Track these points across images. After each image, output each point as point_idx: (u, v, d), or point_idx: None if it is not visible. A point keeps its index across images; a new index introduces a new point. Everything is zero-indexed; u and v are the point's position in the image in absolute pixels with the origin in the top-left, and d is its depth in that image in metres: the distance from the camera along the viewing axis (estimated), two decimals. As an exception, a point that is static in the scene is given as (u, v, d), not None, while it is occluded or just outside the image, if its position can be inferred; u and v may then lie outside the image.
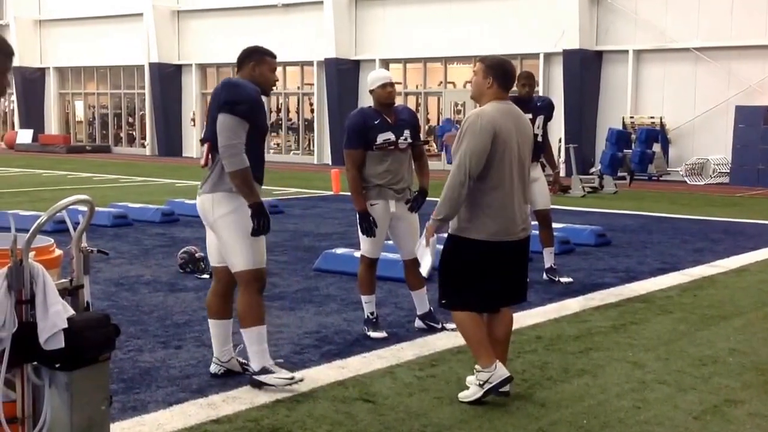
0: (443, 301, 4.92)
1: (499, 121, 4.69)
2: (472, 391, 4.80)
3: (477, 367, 4.81)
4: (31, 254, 3.22)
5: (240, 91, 4.97)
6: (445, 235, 4.86)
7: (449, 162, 23.08)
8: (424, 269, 4.84)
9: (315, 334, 6.26)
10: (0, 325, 3.12)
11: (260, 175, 5.07)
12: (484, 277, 4.77)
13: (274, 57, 5.25)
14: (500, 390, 4.78)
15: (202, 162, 5.07)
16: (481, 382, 4.76)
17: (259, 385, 4.95)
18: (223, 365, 5.24)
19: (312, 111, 28.73)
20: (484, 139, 4.62)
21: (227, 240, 4.96)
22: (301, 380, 5.00)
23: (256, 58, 5.17)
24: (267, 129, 5.23)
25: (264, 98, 5.18)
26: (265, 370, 4.98)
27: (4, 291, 3.13)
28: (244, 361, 5.30)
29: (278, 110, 30.31)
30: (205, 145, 5.04)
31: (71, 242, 3.45)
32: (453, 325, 6.37)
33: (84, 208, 3.48)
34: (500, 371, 4.76)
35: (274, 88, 5.32)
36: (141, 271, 8.57)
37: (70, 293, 3.42)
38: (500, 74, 4.80)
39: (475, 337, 4.81)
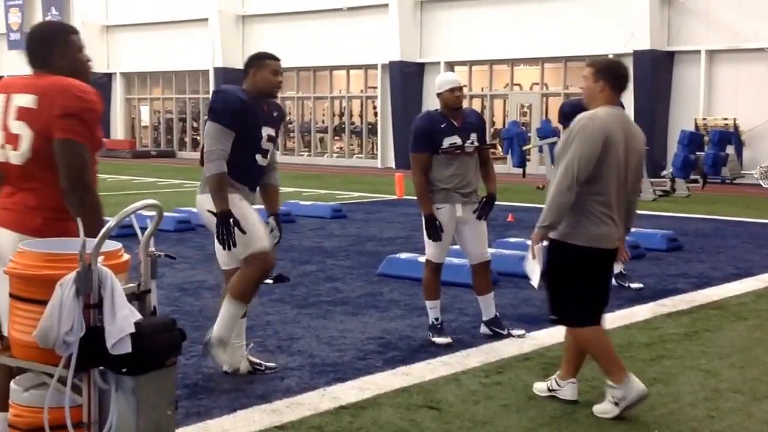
0: (555, 318, 4.76)
1: (611, 126, 4.54)
2: (607, 409, 4.62)
3: (609, 382, 4.63)
4: (100, 258, 3.23)
5: (222, 98, 5.18)
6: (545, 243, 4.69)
7: (515, 165, 22.74)
8: (535, 281, 4.70)
9: (378, 340, 6.22)
10: (68, 329, 3.14)
11: (249, 182, 5.24)
12: (590, 285, 4.64)
13: (276, 59, 5.32)
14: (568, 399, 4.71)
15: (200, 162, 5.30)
16: (617, 401, 4.58)
17: (206, 351, 5.17)
18: (233, 363, 5.33)
19: (375, 114, 28.75)
20: (595, 144, 4.47)
21: (236, 229, 5.04)
22: (244, 373, 5.16)
23: (257, 64, 5.29)
24: (257, 138, 5.21)
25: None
26: (222, 342, 5.10)
27: (73, 295, 3.15)
28: (255, 360, 5.39)
29: (341, 114, 30.41)
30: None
31: (138, 247, 3.46)
32: (520, 332, 6.30)
33: (152, 212, 3.48)
34: (636, 386, 4.57)
35: (279, 89, 5.38)
36: (204, 277, 8.63)
37: (138, 298, 3.42)
38: (612, 77, 4.66)
39: (603, 351, 4.64)
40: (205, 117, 5.42)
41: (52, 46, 3.76)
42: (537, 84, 26.13)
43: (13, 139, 3.64)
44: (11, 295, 3.33)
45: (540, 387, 4.96)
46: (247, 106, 5.14)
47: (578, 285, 4.63)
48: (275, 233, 5.47)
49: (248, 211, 5.14)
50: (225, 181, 5.04)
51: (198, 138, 34.44)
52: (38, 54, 3.77)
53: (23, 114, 3.62)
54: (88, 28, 34.26)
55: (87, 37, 34.40)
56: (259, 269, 5.14)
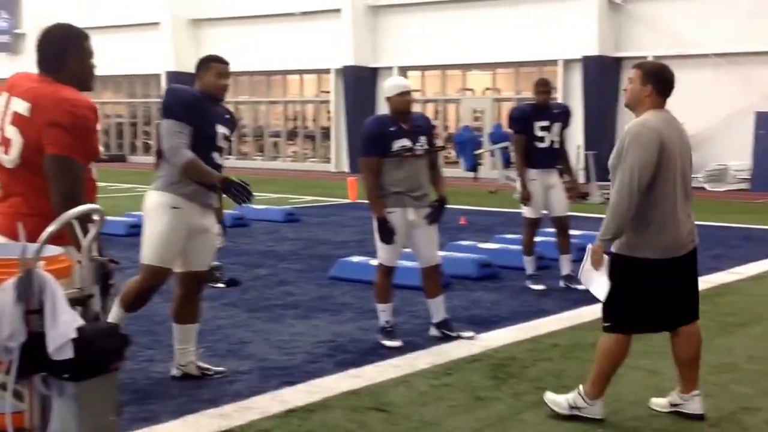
0: (607, 325, 4.61)
1: (665, 132, 4.43)
2: (561, 404, 4.65)
3: (581, 388, 4.63)
4: (41, 264, 3.20)
5: (173, 94, 5.21)
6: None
7: (467, 169, 22.85)
8: (601, 293, 4.58)
9: (329, 343, 6.23)
10: (8, 335, 3.10)
11: None
12: (653, 297, 4.49)
13: (222, 62, 5.30)
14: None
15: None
16: (574, 405, 4.60)
17: None
18: (182, 368, 5.32)
19: (329, 119, 28.75)
20: (652, 152, 4.36)
21: (145, 231, 5.09)
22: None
23: (203, 66, 5.28)
24: (212, 135, 5.18)
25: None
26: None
27: (13, 301, 3.11)
28: (204, 365, 5.38)
29: (295, 118, 30.35)
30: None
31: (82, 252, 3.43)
32: (470, 334, 6.35)
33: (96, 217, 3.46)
34: (597, 409, 4.58)
35: (225, 92, 5.30)
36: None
37: (80, 303, 3.40)
38: (660, 81, 4.54)
39: (607, 369, 4.59)
40: (158, 121, 5.37)
41: (67, 51, 3.75)
42: (489, 89, 26.33)
43: (6, 143, 3.64)
44: (-48, 301, 3.29)
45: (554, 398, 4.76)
46: (199, 102, 5.13)
47: (640, 297, 4.49)
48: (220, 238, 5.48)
49: (162, 221, 5.05)
50: (199, 163, 5.00)
51: (150, 142, 34.14)
52: (50, 57, 3.75)
53: (17, 120, 3.62)
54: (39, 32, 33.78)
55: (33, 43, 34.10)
56: (143, 281, 5.10)
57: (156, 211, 5.06)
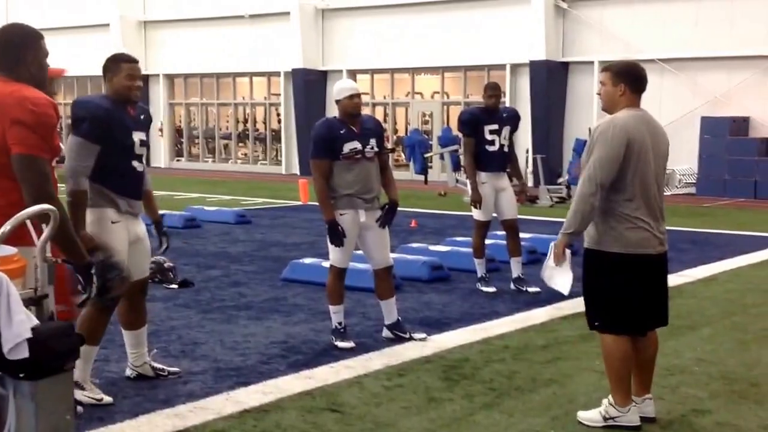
0: (596, 324, 4.59)
1: (633, 128, 4.44)
2: (593, 418, 4.61)
3: (610, 399, 4.59)
4: (-5, 263, 3.18)
5: (83, 108, 4.89)
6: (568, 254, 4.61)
7: (417, 172, 22.88)
8: (564, 287, 4.60)
9: (282, 344, 6.23)
10: (-37, 335, 3.07)
11: (130, 191, 5.00)
12: (627, 293, 4.49)
13: (132, 61, 5.05)
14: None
15: None
16: (608, 416, 4.56)
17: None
18: (136, 369, 5.30)
19: (279, 121, 28.67)
20: (617, 148, 4.38)
21: None
22: (110, 403, 4.83)
23: (112, 68, 5.02)
24: (129, 144, 4.94)
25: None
26: (78, 385, 4.65)
27: (-33, 301, 3.08)
28: (158, 365, 5.35)
29: (245, 120, 30.21)
30: None
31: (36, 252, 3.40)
32: (422, 335, 6.40)
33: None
34: (632, 416, 4.54)
35: (138, 93, 5.03)
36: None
37: (35, 303, 3.37)
38: (631, 79, 4.54)
39: (620, 372, 4.54)
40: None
41: (25, 50, 3.72)
42: (438, 93, 26.49)
43: None
44: None
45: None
46: (111, 114, 4.86)
47: (612, 291, 4.51)
48: (164, 242, 5.39)
49: (109, 238, 4.82)
50: (83, 201, 4.75)
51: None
52: (8, 57, 3.71)
53: None
54: None
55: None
56: (99, 306, 4.77)
57: (96, 227, 4.83)
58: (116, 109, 4.93)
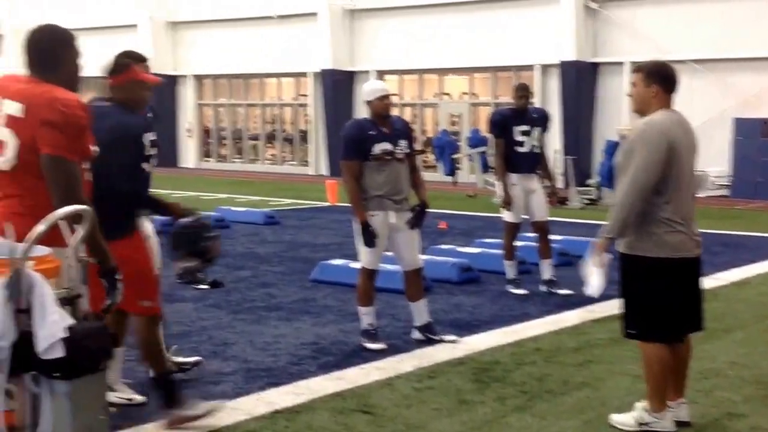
0: (630, 332, 4.54)
1: (671, 130, 4.37)
2: (627, 422, 4.56)
3: (645, 405, 4.54)
4: (30, 264, 3.19)
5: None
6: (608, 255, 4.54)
7: (446, 174, 22.82)
8: (594, 289, 4.52)
9: (312, 345, 6.23)
10: (-2, 334, 3.09)
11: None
12: (667, 298, 4.41)
13: (142, 60, 4.86)
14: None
15: None
16: (643, 422, 4.50)
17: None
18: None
19: (307, 122, 28.72)
20: (658, 151, 4.30)
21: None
22: (143, 402, 4.85)
23: (122, 68, 4.82)
24: (140, 146, 4.62)
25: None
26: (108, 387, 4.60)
27: (2, 300, 3.10)
28: (180, 359, 5.36)
29: (273, 121, 30.30)
30: None
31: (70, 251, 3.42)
32: (452, 337, 6.37)
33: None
34: (667, 423, 4.49)
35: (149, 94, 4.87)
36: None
37: (69, 303, 3.39)
38: (664, 80, 4.45)
39: (658, 378, 4.47)
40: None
41: (60, 51, 3.74)
42: (466, 93, 26.41)
43: (0, 146, 3.62)
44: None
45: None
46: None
47: (651, 297, 4.43)
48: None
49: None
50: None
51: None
52: (42, 58, 3.73)
53: (10, 122, 3.61)
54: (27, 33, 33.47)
55: (20, 44, 33.75)
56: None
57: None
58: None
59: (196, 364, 5.39)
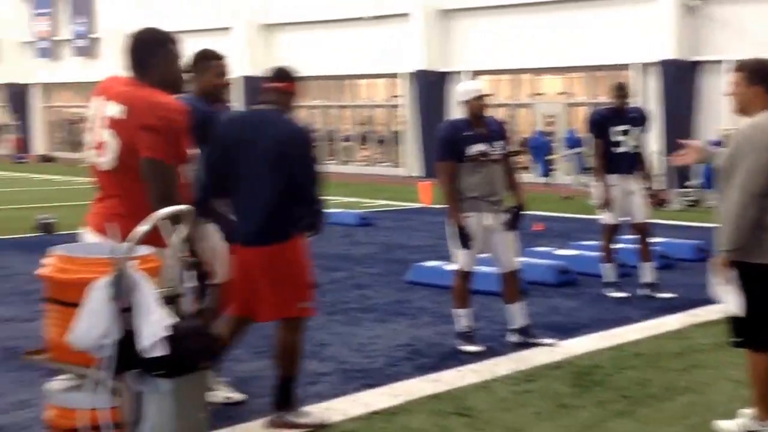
0: (737, 340, 4.38)
1: None
2: (732, 429, 4.41)
3: (752, 412, 4.39)
4: (133, 263, 3.25)
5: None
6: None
7: (541, 175, 22.51)
8: (735, 306, 4.31)
9: (408, 347, 6.21)
10: (102, 332, 3.15)
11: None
12: None
13: (220, 58, 4.93)
14: None
15: None
16: (748, 430, 4.35)
17: None
18: None
19: (400, 123, 28.76)
20: (766, 154, 4.14)
21: None
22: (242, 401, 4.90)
23: (201, 65, 4.90)
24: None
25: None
26: None
27: (106, 299, 3.16)
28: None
29: (365, 122, 30.46)
30: None
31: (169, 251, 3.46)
32: (550, 340, 6.26)
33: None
34: None
35: (227, 91, 4.98)
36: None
37: (170, 302, 3.44)
38: (767, 78, 4.26)
39: (766, 387, 4.29)
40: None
41: (155, 54, 3.83)
42: (562, 93, 26.04)
43: (101, 146, 3.73)
44: (46, 299, 3.36)
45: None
46: (207, 115, 4.69)
47: (758, 305, 4.24)
48: None
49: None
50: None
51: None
52: (139, 60, 3.83)
53: (112, 124, 3.71)
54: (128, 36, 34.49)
55: (117, 47, 34.56)
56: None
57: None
58: (209, 108, 4.84)
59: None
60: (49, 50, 35.91)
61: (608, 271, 8.16)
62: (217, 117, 4.83)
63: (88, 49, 34.89)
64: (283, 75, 4.73)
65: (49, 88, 37.03)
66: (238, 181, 4.51)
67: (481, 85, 6.48)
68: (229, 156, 4.51)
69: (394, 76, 28.32)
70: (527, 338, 6.24)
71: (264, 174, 4.45)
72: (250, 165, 4.47)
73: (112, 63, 28.36)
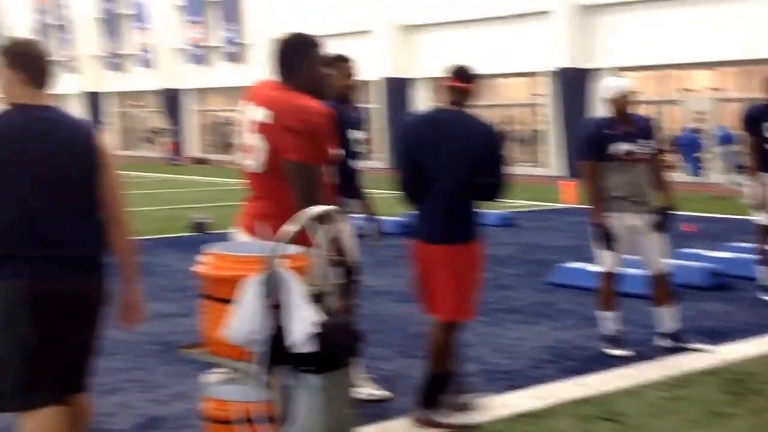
0: None
1: None
2: None
3: None
4: (283, 262, 3.33)
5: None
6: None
7: (691, 173, 21.78)
8: None
9: (552, 349, 6.13)
10: (254, 328, 3.25)
11: (346, 190, 4.91)
12: None
13: (348, 61, 5.05)
14: None
15: None
16: None
17: None
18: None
19: (541, 122, 28.39)
20: None
21: None
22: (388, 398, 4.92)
23: (332, 67, 4.89)
24: (345, 143, 4.93)
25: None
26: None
27: (258, 296, 3.26)
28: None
29: (506, 122, 30.19)
30: None
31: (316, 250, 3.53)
32: (704, 346, 6.03)
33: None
34: None
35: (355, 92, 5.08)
36: (376, 281, 8.73)
37: (318, 300, 3.51)
38: None
39: None
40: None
41: (298, 59, 3.95)
42: (713, 89, 25.05)
43: (251, 150, 3.88)
44: (202, 295, 3.49)
45: None
46: (336, 114, 4.68)
47: None
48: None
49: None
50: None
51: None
52: (284, 65, 3.96)
53: (260, 128, 3.85)
54: (274, 41, 35.43)
55: (265, 52, 35.50)
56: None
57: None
58: (338, 108, 4.87)
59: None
60: (201, 56, 37.32)
61: (764, 274, 7.80)
62: (347, 117, 4.99)
63: (237, 55, 36.04)
64: (463, 74, 4.78)
65: (201, 92, 38.48)
66: (426, 180, 4.60)
67: (627, 81, 6.31)
68: (417, 156, 4.62)
69: (534, 74, 27.97)
70: (678, 343, 6.04)
71: (450, 173, 4.55)
72: (437, 164, 4.56)
73: (261, 68, 29.21)
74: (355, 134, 5.15)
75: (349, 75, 5.11)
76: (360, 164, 5.21)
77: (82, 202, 3.41)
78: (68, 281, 3.33)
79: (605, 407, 4.80)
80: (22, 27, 41.77)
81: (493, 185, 4.63)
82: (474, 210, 4.61)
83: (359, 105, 5.32)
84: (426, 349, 4.70)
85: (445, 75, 4.79)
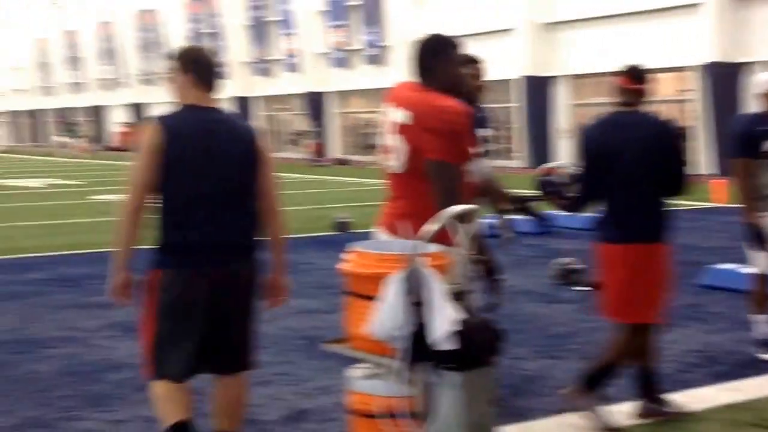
0: None
1: None
2: None
3: None
4: (424, 260, 3.37)
5: None
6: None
7: None
8: None
9: (701, 353, 5.94)
10: (397, 325, 3.31)
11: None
12: None
13: (477, 61, 4.93)
14: None
15: None
16: None
17: None
18: None
19: (689, 118, 27.43)
20: None
21: None
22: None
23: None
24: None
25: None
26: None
27: (401, 293, 3.31)
28: None
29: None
30: None
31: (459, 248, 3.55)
32: None
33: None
34: None
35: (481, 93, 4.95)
36: (515, 281, 8.66)
37: (459, 298, 3.53)
38: None
39: None
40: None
41: (437, 59, 4.03)
42: None
43: (392, 151, 3.97)
44: (347, 292, 3.58)
45: None
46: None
47: None
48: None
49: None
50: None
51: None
52: (422, 66, 4.04)
53: (400, 129, 3.93)
54: (412, 43, 35.80)
55: (405, 54, 35.76)
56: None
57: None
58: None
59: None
60: (343, 59, 37.98)
61: None
62: (477, 117, 4.91)
63: (378, 57, 36.47)
64: (635, 75, 4.75)
65: (343, 95, 39.17)
66: (613, 183, 4.61)
67: (783, 74, 6.04)
68: (601, 160, 4.62)
69: (681, 69, 27.05)
70: (837, 349, 5.74)
71: (638, 174, 4.56)
72: (624, 167, 4.56)
73: (401, 70, 29.50)
74: (483, 132, 5.16)
75: (477, 76, 5.09)
76: (489, 163, 5.22)
77: (244, 195, 3.83)
78: (236, 267, 3.80)
79: (758, 414, 4.62)
80: (177, 35, 43.67)
81: (676, 182, 4.67)
82: (662, 210, 4.66)
83: (486, 105, 5.33)
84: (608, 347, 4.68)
85: (617, 75, 4.74)
